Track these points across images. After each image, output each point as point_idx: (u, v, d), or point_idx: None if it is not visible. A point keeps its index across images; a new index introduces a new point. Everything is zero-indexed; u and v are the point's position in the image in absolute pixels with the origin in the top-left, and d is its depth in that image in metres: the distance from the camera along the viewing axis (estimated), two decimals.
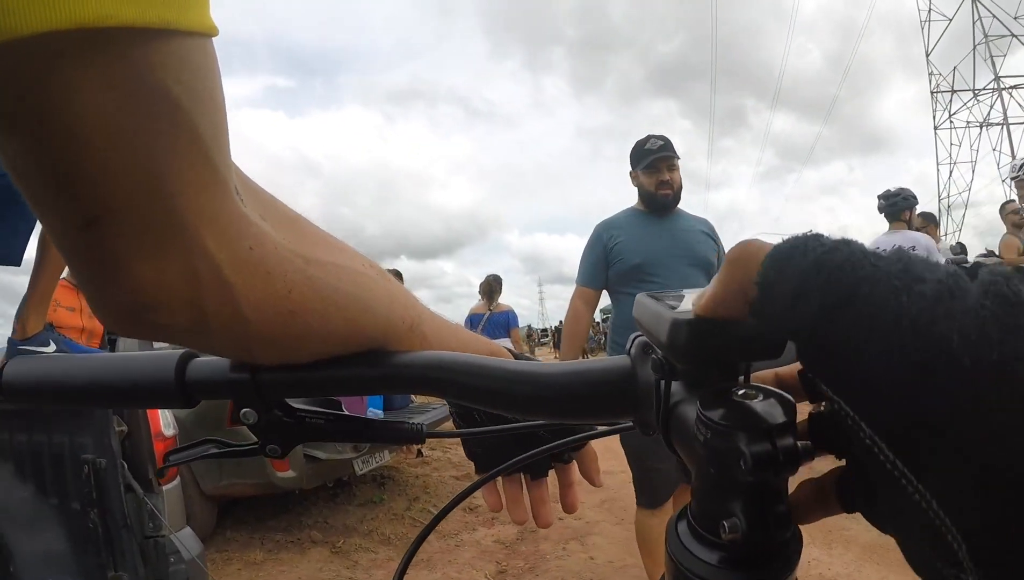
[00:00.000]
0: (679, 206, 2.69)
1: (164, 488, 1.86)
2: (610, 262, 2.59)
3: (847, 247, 0.22)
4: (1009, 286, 0.19)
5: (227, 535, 3.73)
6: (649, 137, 2.64)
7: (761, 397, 0.26)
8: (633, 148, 2.69)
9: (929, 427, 0.19)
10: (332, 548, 3.58)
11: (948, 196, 39.87)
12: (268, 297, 0.33)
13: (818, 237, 0.23)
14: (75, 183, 0.25)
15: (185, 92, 0.26)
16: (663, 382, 0.31)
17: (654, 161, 2.58)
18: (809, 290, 0.21)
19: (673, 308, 0.28)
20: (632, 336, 0.35)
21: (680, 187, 2.64)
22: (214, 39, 0.28)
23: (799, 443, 0.25)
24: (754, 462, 0.24)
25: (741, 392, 0.27)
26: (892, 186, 4.39)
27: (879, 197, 4.32)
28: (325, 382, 0.39)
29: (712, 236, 2.68)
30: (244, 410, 0.40)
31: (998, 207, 4.61)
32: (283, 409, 0.41)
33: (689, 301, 0.28)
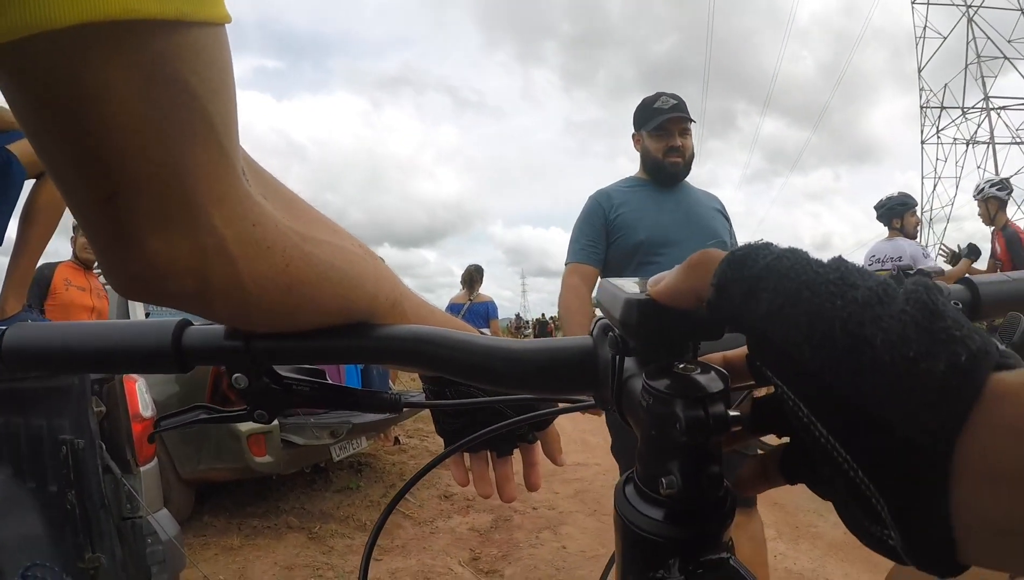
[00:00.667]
0: (687, 179, 2.30)
1: (142, 469, 1.87)
2: (611, 238, 2.19)
3: (793, 255, 0.26)
4: (928, 295, 0.23)
5: (204, 520, 3.73)
6: (660, 95, 2.23)
7: (699, 370, 0.30)
8: (639, 106, 2.29)
9: (856, 409, 0.23)
10: (309, 534, 3.59)
11: (931, 209, 40.33)
12: (267, 270, 0.35)
13: (768, 245, 0.27)
14: (97, 161, 0.28)
15: (200, 81, 0.28)
16: (617, 358, 0.34)
17: (664, 123, 2.18)
18: (758, 291, 0.25)
19: (629, 290, 0.32)
20: (595, 319, 0.39)
21: (692, 155, 2.25)
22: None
23: (729, 411, 0.28)
24: (687, 425, 0.27)
25: (682, 366, 0.31)
26: (883, 195, 4.47)
27: (875, 206, 4.44)
28: (315, 351, 0.41)
29: (724, 214, 2.33)
30: (236, 375, 0.42)
31: (979, 222, 4.71)
32: (271, 376, 0.43)
33: (642, 286, 0.32)
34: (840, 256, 0.26)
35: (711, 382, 0.29)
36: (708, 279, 0.27)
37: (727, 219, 2.32)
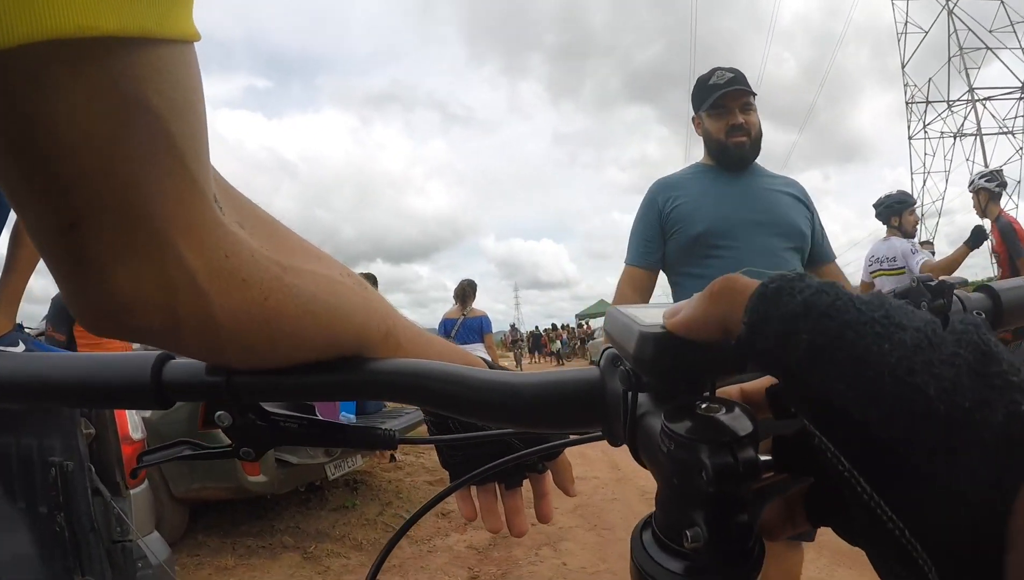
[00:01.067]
0: (759, 162, 2.06)
1: (132, 492, 1.84)
2: (667, 232, 1.96)
3: (832, 290, 0.23)
4: (979, 336, 0.21)
5: (199, 539, 3.69)
6: (715, 70, 2.01)
7: (724, 410, 0.27)
8: (695, 86, 2.07)
9: (905, 464, 0.20)
10: (304, 553, 3.54)
11: (922, 205, 40.59)
12: (243, 304, 0.33)
13: (803, 277, 0.24)
14: (54, 188, 0.26)
15: (164, 102, 0.26)
16: (630, 394, 0.31)
17: (721, 99, 1.96)
18: (797, 332, 0.22)
19: (643, 321, 0.29)
20: (602, 348, 0.36)
21: (759, 133, 2.00)
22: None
23: (760, 456, 0.26)
24: (715, 473, 0.25)
25: (704, 406, 0.27)
26: (876, 194, 4.46)
27: (873, 205, 4.44)
28: (300, 387, 0.39)
29: (805, 201, 2.04)
30: (219, 413, 0.40)
31: (970, 215, 4.70)
32: (257, 412, 0.41)
33: (657, 317, 0.29)
34: (879, 291, 0.24)
35: (739, 423, 0.26)
36: (736, 312, 0.25)
37: (808, 207, 2.03)
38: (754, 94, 2.00)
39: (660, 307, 0.31)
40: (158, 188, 0.28)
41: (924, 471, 0.20)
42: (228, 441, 0.42)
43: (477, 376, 0.38)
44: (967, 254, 4.28)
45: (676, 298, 1.89)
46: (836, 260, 2.17)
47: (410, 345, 0.45)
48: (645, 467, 0.31)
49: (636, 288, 1.99)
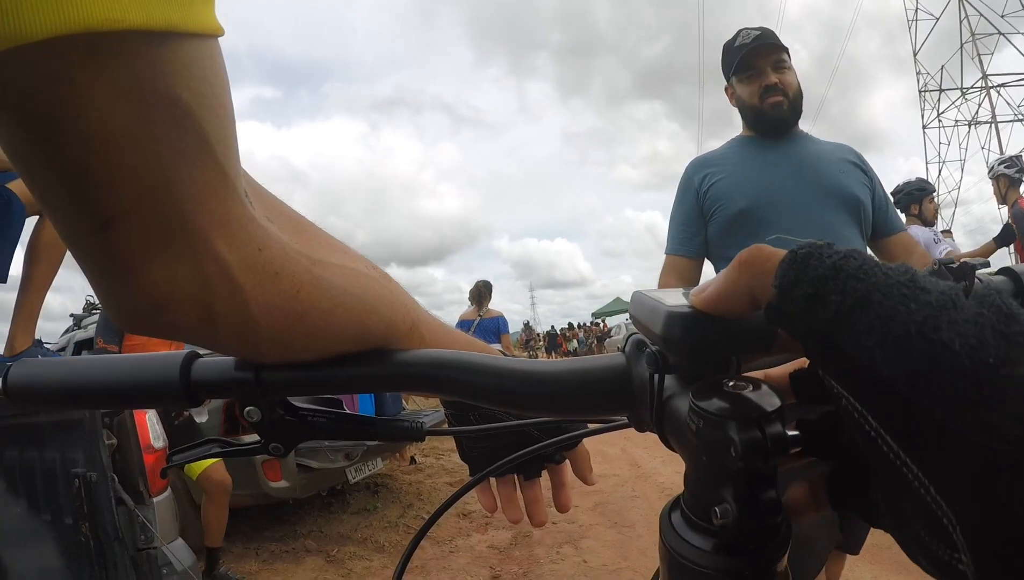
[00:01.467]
0: (802, 128, 1.82)
1: (155, 500, 1.86)
2: (707, 214, 1.74)
3: (859, 256, 0.24)
4: (1002, 298, 0.21)
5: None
6: (740, 31, 1.80)
7: (751, 387, 0.27)
8: (722, 53, 1.86)
9: (931, 420, 0.21)
10: (327, 557, 3.56)
11: (938, 194, 40.12)
12: (277, 298, 0.33)
13: (830, 245, 0.25)
14: (87, 187, 0.26)
15: (193, 97, 0.27)
16: (657, 376, 0.32)
17: (750, 59, 1.74)
18: (826, 293, 0.23)
19: (669, 302, 0.29)
20: (626, 334, 0.36)
21: (798, 94, 1.76)
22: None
23: (788, 432, 0.26)
24: (744, 449, 0.25)
25: (732, 383, 0.28)
26: (893, 183, 4.36)
27: (891, 193, 4.36)
28: (329, 380, 0.39)
29: (862, 166, 1.78)
30: (248, 408, 0.41)
31: (987, 204, 4.63)
32: (286, 408, 0.42)
33: (684, 297, 0.30)
34: (903, 262, 0.24)
35: (766, 400, 0.27)
36: (765, 280, 0.25)
37: (866, 173, 1.77)
38: (786, 50, 1.76)
39: (686, 290, 0.31)
40: (191, 184, 0.28)
41: (949, 428, 0.20)
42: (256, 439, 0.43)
43: (507, 365, 0.38)
44: (994, 251, 4.22)
45: None
46: (906, 230, 1.87)
47: (433, 337, 0.45)
48: (672, 450, 0.32)
49: (680, 278, 1.77)
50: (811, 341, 0.25)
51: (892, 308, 0.22)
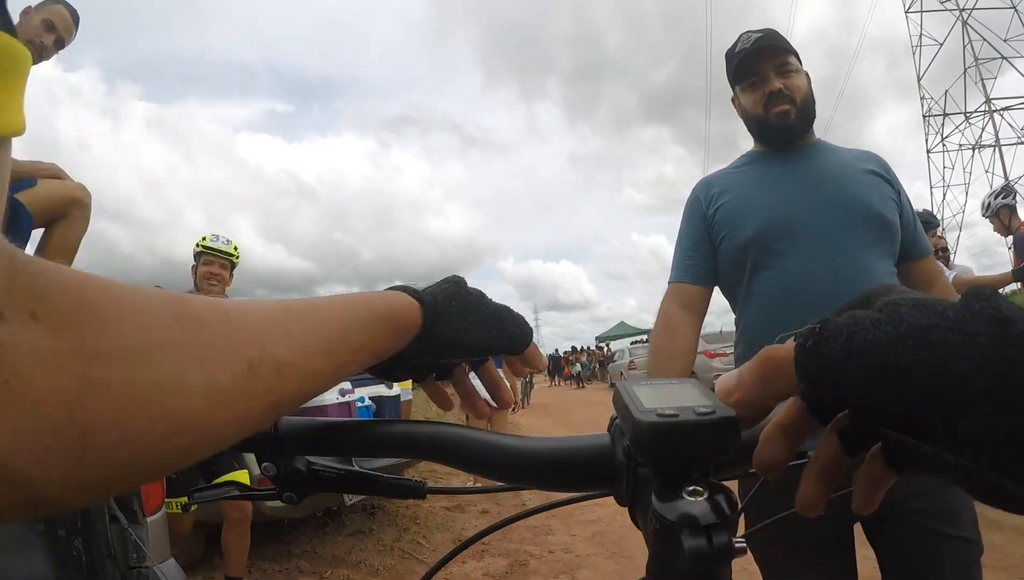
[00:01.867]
0: (818, 136, 1.59)
1: (149, 520, 1.83)
2: (716, 239, 1.54)
3: (860, 319, 0.28)
4: (993, 308, 0.25)
5: (215, 562, 3.67)
6: (741, 35, 1.58)
7: (707, 495, 0.31)
8: (725, 62, 1.64)
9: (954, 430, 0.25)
10: (320, 578, 3.52)
11: (943, 219, 40.10)
12: (38, 431, 0.25)
13: (826, 323, 0.29)
14: None
15: None
16: (630, 467, 0.36)
17: (751, 65, 1.52)
18: (848, 375, 0.27)
19: (642, 406, 0.33)
20: (612, 415, 0.39)
21: (808, 99, 1.52)
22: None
23: (733, 540, 0.29)
24: (691, 556, 0.28)
25: (691, 489, 0.31)
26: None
27: None
28: (342, 444, 0.43)
29: (887, 177, 1.52)
30: (265, 464, 0.44)
31: (990, 229, 4.59)
32: (300, 463, 0.45)
33: (666, 394, 0.34)
34: (885, 301, 0.28)
35: (718, 509, 0.30)
36: (788, 381, 0.29)
37: (892, 184, 1.51)
38: (792, 52, 1.54)
39: (668, 383, 0.35)
40: None
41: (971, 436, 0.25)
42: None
43: (506, 443, 0.42)
44: (1008, 282, 4.19)
45: (738, 325, 1.54)
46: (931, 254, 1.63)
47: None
48: (640, 529, 0.36)
49: (684, 306, 1.55)
50: (851, 411, 0.29)
51: (906, 362, 0.25)
